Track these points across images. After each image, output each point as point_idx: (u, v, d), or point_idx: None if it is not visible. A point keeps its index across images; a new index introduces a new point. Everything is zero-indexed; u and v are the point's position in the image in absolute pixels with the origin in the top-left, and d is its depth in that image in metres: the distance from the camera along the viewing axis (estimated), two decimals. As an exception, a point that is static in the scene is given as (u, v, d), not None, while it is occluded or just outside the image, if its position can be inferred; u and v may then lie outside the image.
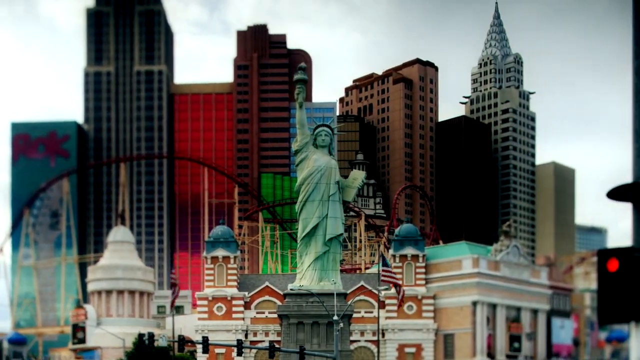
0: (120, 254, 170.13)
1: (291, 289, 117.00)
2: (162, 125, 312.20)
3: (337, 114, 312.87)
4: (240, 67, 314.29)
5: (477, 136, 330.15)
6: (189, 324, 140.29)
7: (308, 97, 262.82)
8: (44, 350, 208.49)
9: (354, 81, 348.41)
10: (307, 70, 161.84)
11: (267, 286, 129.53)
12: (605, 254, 16.16)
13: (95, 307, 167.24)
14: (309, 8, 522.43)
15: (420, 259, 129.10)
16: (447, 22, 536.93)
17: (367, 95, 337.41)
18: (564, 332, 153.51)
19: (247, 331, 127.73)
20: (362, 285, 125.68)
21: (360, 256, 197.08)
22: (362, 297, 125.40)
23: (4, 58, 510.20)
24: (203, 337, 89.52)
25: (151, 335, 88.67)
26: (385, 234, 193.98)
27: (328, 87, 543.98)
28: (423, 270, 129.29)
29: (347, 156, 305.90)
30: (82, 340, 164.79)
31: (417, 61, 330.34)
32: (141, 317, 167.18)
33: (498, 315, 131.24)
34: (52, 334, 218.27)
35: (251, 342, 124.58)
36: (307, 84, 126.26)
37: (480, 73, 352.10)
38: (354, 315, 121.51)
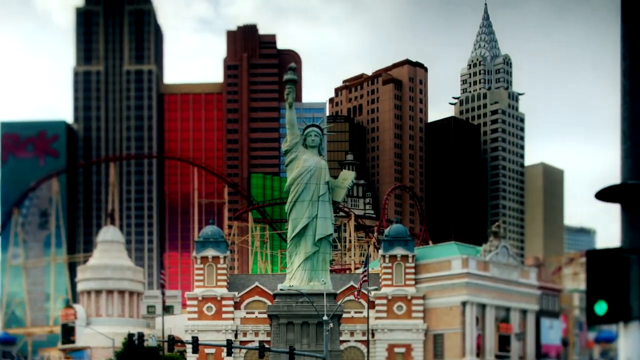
0: (110, 254, 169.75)
1: (281, 289, 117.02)
2: (152, 125, 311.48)
3: (327, 114, 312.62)
4: (230, 67, 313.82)
5: (467, 137, 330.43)
6: (179, 324, 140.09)
7: (298, 98, 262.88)
8: (33, 350, 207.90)
9: (344, 82, 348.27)
10: (297, 70, 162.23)
11: (257, 286, 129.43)
12: (593, 255, 16.26)
13: (84, 307, 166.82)
14: (301, 8, 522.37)
15: (410, 260, 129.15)
16: (437, 23, 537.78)
17: (357, 96, 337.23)
18: (553, 332, 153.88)
19: (236, 331, 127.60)
20: (351, 286, 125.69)
21: (350, 256, 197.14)
22: (351, 297, 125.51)
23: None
24: (193, 337, 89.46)
25: (141, 335, 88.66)
26: (375, 234, 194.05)
27: (318, 87, 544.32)
28: (412, 270, 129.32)
29: (336, 156, 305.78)
30: (72, 340, 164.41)
31: (407, 62, 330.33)
32: (131, 317, 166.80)
33: (487, 315, 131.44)
34: (41, 333, 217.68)
35: (241, 342, 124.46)
36: (296, 84, 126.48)
37: (470, 74, 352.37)
38: (344, 315, 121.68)
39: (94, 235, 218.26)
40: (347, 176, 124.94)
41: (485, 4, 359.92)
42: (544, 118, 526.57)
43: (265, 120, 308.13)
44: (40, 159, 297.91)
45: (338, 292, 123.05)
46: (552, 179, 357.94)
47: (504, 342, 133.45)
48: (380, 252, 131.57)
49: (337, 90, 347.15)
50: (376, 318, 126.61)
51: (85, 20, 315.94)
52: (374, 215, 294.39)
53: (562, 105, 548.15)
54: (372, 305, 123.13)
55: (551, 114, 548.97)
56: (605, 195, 16.44)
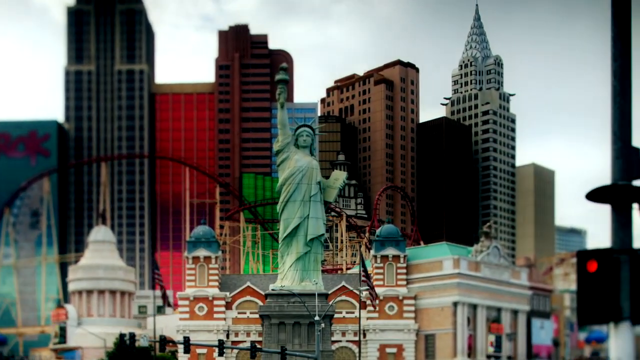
0: (101, 254, 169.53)
1: (272, 289, 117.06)
2: (144, 124, 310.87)
3: (319, 114, 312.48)
4: (221, 67, 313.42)
5: (458, 137, 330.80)
6: (171, 324, 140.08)
7: (289, 98, 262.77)
8: (24, 350, 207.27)
9: (335, 82, 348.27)
10: (289, 70, 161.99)
11: (248, 286, 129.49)
12: (584, 255, 16.32)
13: (76, 307, 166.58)
14: (293, 9, 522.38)
15: (401, 260, 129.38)
16: (428, 23, 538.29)
17: (349, 96, 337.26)
18: (544, 332, 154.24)
19: (228, 331, 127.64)
20: (343, 286, 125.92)
21: (342, 257, 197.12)
22: (343, 297, 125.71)
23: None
24: (184, 337, 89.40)
25: (132, 336, 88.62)
26: (367, 234, 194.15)
27: (309, 87, 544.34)
28: (404, 270, 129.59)
29: (328, 157, 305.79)
30: (63, 340, 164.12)
31: (398, 62, 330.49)
32: (122, 317, 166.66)
33: (478, 315, 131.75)
34: (32, 333, 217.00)
35: (232, 342, 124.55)
36: (288, 84, 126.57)
37: (461, 75, 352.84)
38: (336, 315, 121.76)
39: (86, 235, 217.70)
40: (339, 176, 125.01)
41: (477, 4, 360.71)
42: (535, 119, 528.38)
43: (257, 120, 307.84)
44: (31, 159, 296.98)
45: (330, 292, 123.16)
46: (543, 179, 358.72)
47: (495, 342, 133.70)
48: (372, 252, 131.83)
49: (329, 91, 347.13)
50: (368, 318, 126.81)
51: (76, 20, 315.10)
52: (366, 216, 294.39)
53: (553, 106, 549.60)
54: (363, 305, 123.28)
55: (542, 115, 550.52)
56: (596, 195, 16.54)
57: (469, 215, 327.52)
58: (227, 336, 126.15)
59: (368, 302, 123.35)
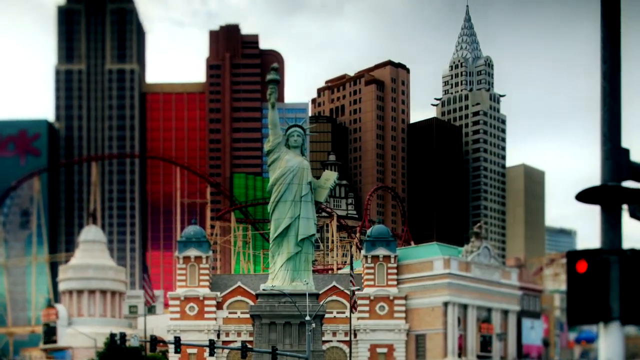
0: (92, 254, 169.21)
1: (263, 289, 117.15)
2: (134, 124, 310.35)
3: (309, 114, 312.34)
4: (212, 67, 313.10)
5: (448, 138, 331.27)
6: (161, 324, 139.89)
7: (280, 98, 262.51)
8: (14, 350, 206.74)
9: (326, 82, 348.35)
10: (280, 70, 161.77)
11: (239, 286, 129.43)
12: (574, 256, 16.40)
13: (66, 306, 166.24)
14: (285, 9, 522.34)
15: (392, 260, 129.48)
16: (419, 24, 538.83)
17: (339, 96, 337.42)
18: (534, 332, 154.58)
19: (219, 331, 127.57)
20: (334, 286, 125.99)
21: (333, 257, 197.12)
22: (334, 297, 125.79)
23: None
24: (175, 337, 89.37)
25: (123, 335, 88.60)
26: (357, 234, 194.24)
27: (300, 87, 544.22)
28: (395, 271, 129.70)
29: (319, 157, 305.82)
30: (54, 340, 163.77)
31: (389, 63, 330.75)
32: (113, 317, 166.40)
33: (469, 315, 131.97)
34: (22, 333, 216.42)
35: (223, 342, 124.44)
36: (279, 84, 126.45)
37: (452, 75, 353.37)
38: (326, 315, 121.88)
39: (76, 234, 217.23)
40: (330, 176, 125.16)
41: (467, 5, 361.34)
42: (525, 120, 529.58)
43: (248, 120, 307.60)
44: (21, 158, 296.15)
45: (320, 292, 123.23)
46: (533, 180, 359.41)
47: (485, 343, 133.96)
48: (363, 252, 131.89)
49: (320, 91, 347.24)
50: (358, 318, 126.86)
51: (67, 19, 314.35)
52: (357, 216, 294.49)
53: (543, 107, 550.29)
54: (355, 305, 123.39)
55: (532, 116, 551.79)
56: (585, 196, 16.64)
57: (459, 216, 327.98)
58: (218, 336, 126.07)
59: (361, 301, 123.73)
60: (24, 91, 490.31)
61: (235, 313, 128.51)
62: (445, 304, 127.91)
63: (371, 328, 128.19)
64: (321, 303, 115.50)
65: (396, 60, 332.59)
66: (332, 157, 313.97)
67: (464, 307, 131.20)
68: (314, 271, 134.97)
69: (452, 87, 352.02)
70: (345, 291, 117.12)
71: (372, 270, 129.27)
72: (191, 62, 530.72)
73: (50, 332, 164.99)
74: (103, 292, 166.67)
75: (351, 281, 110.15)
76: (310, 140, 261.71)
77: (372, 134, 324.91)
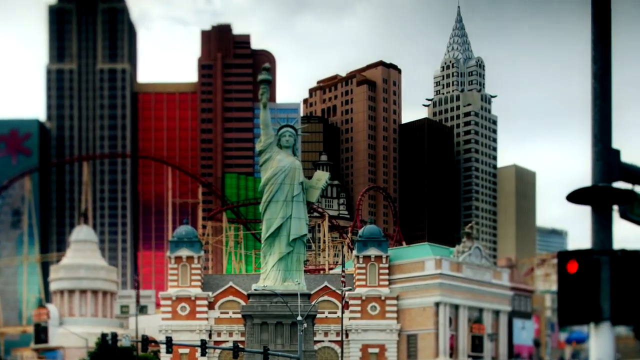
0: (83, 253, 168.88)
1: (255, 289, 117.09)
2: (126, 124, 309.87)
3: (301, 114, 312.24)
4: (204, 66, 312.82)
5: (440, 138, 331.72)
6: (153, 324, 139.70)
7: (272, 98, 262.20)
8: (5, 350, 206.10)
9: (318, 82, 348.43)
10: (271, 70, 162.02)
11: (231, 286, 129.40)
12: (565, 256, 16.47)
13: (57, 306, 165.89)
14: (275, 10, 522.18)
15: (384, 260, 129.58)
16: (410, 25, 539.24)
17: (331, 97, 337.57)
18: (525, 333, 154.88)
19: (211, 331, 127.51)
20: (326, 286, 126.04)
21: (324, 257, 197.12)
22: (326, 297, 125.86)
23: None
24: (167, 337, 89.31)
25: (114, 335, 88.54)
26: (349, 234, 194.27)
27: (292, 88, 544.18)
28: (386, 271, 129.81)
29: (310, 157, 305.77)
30: (45, 340, 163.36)
31: (381, 63, 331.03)
32: (104, 317, 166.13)
33: (460, 316, 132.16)
34: (14, 333, 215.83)
35: (215, 342, 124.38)
36: (271, 84, 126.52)
37: (443, 76, 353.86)
38: (318, 315, 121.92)
39: (67, 234, 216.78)
40: (321, 177, 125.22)
41: (459, 6, 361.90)
42: (516, 120, 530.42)
43: (240, 120, 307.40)
44: (12, 158, 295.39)
45: (312, 292, 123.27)
46: (524, 180, 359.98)
47: (476, 343, 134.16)
48: (354, 252, 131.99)
49: (311, 91, 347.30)
50: (350, 318, 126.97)
51: (58, 18, 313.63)
52: (348, 216, 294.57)
53: (534, 108, 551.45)
54: (346, 305, 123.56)
55: (523, 117, 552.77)
56: (576, 197, 16.72)
57: (450, 216, 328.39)
58: (210, 336, 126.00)
59: (353, 301, 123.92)
60: (15, 90, 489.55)
61: (227, 313, 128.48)
62: (437, 304, 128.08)
63: (363, 328, 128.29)
64: (313, 303, 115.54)
65: (388, 61, 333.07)
66: (323, 158, 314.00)
67: (456, 307, 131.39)
68: (305, 271, 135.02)
69: (443, 88, 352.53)
70: (337, 291, 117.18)
71: (363, 271, 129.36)
72: (183, 61, 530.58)
73: (41, 332, 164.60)
74: (94, 292, 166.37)
75: (342, 281, 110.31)
76: (302, 141, 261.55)
77: (363, 134, 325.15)
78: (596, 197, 16.61)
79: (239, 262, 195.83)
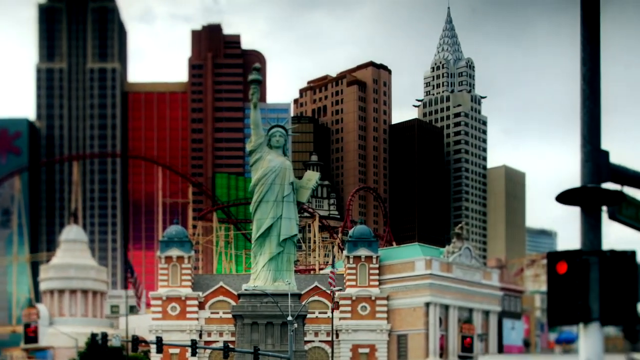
0: (73, 253, 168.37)
1: (245, 289, 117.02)
2: (116, 123, 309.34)
3: (292, 115, 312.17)
4: (194, 66, 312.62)
5: (430, 139, 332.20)
6: (143, 324, 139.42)
7: (262, 98, 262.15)
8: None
9: (309, 82, 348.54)
10: (262, 70, 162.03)
11: (221, 286, 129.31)
12: (554, 257, 16.58)
13: (47, 306, 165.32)
14: (266, 10, 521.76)
15: (374, 260, 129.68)
16: (401, 26, 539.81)
17: (321, 97, 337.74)
18: (515, 333, 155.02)
19: (201, 331, 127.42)
20: (316, 286, 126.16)
21: (315, 257, 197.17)
22: (316, 297, 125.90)
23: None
24: (157, 337, 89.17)
25: (104, 335, 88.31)
26: (339, 235, 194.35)
27: (282, 88, 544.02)
28: (376, 271, 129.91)
29: (301, 157, 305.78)
30: (35, 340, 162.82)
31: (371, 64, 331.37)
32: (94, 317, 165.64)
33: (450, 316, 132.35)
34: (3, 333, 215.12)
35: (205, 342, 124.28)
36: (261, 84, 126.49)
37: (433, 77, 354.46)
38: (308, 315, 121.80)
39: (57, 234, 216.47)
40: (312, 177, 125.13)
41: (449, 7, 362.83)
42: (506, 121, 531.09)
43: (230, 120, 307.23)
44: (2, 157, 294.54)
45: (302, 292, 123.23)
46: (514, 181, 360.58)
47: (466, 343, 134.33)
48: (345, 253, 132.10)
49: (302, 91, 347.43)
50: (340, 318, 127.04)
51: (47, 17, 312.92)
52: (338, 216, 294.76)
53: (524, 108, 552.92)
54: (336, 305, 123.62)
55: (513, 117, 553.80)
56: (565, 198, 16.83)
57: (440, 217, 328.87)
58: (200, 336, 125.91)
59: (344, 301, 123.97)
60: (5, 89, 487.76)
61: (218, 313, 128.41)
62: (427, 305, 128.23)
63: (353, 328, 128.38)
64: (303, 303, 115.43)
65: (378, 62, 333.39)
66: (314, 158, 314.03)
67: (446, 307, 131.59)
68: (296, 271, 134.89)
69: (433, 89, 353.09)
70: (327, 291, 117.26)
71: (354, 271, 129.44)
72: (173, 61, 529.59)
73: (31, 332, 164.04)
74: (84, 291, 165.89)
75: (329, 282, 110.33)
76: (293, 141, 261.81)
77: (354, 134, 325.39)
78: (585, 198, 16.73)
79: (229, 262, 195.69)
